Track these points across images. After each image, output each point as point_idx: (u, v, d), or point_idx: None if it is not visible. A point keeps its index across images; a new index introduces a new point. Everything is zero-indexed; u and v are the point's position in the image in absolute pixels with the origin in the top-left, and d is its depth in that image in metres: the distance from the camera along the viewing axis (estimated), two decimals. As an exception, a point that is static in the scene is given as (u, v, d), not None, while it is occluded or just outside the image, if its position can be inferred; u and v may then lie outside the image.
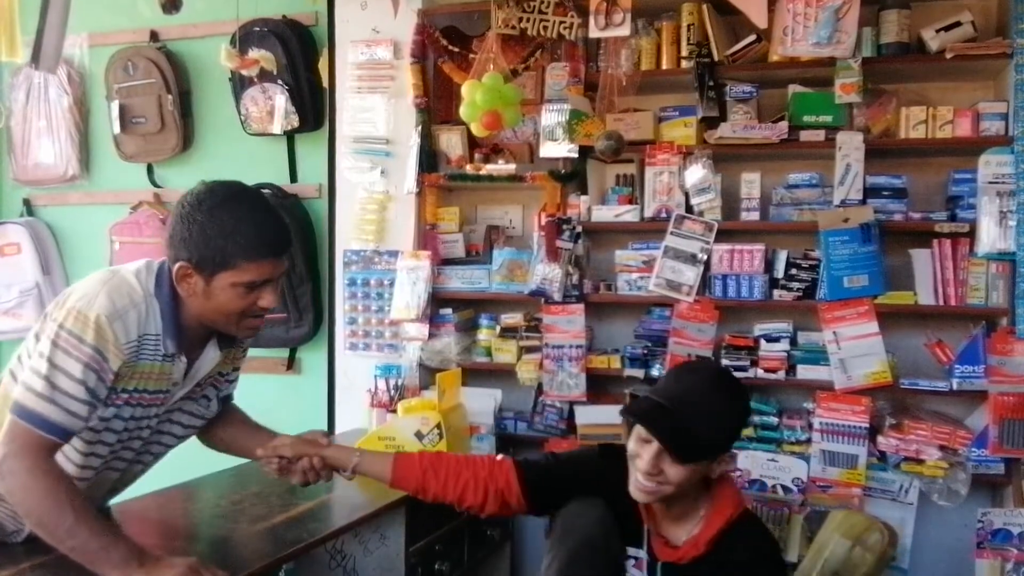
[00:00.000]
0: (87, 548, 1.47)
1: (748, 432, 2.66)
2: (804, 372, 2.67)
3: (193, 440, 1.92)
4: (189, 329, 1.67)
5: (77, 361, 1.51)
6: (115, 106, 3.53)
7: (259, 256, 1.58)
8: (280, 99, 3.29)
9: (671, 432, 1.67)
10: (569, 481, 1.85)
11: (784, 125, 2.70)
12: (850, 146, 2.62)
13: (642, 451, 1.70)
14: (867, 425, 2.56)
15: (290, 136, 3.40)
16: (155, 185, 3.63)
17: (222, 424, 1.97)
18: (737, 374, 2.67)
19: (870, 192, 2.64)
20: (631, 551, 1.80)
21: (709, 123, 2.80)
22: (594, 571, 1.72)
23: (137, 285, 1.61)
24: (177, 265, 1.59)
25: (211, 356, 1.74)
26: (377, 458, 1.96)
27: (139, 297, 1.60)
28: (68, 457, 1.65)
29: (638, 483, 1.71)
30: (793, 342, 2.71)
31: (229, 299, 1.60)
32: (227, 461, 2.32)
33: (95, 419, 1.60)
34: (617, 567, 1.77)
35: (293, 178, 3.44)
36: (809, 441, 2.62)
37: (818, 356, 2.65)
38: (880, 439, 2.56)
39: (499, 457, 1.97)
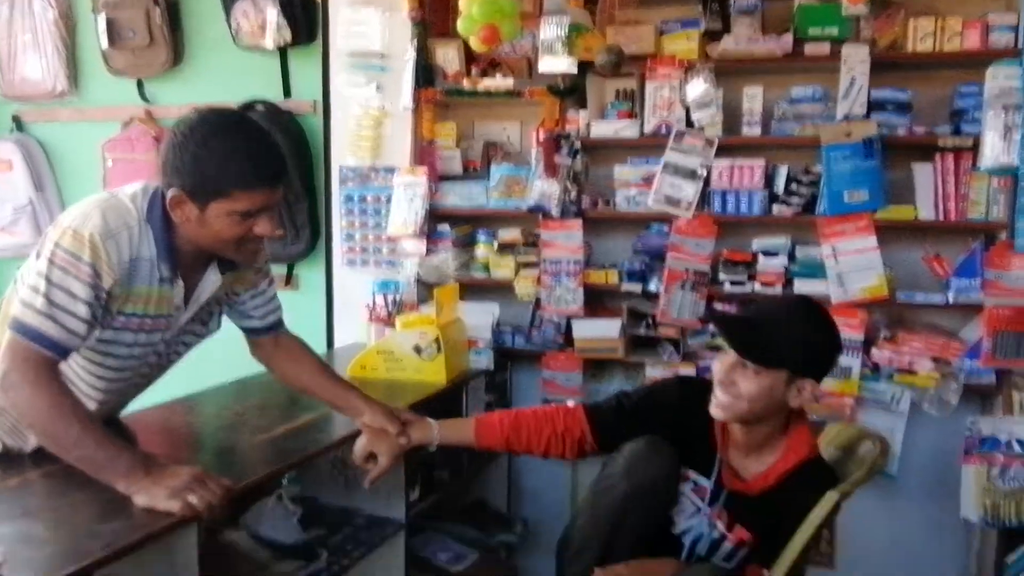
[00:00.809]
0: (94, 458, 1.48)
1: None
2: (801, 286, 2.67)
3: (193, 355, 1.90)
4: (185, 254, 1.66)
5: (75, 279, 1.51)
6: (102, 19, 3.43)
7: (252, 186, 1.55)
8: (271, 12, 3.20)
9: (740, 333, 1.74)
10: (640, 419, 1.86)
11: (789, 38, 2.64)
12: (855, 59, 2.57)
13: (719, 364, 1.75)
14: (862, 337, 2.58)
15: (283, 51, 3.32)
16: (146, 101, 3.56)
17: (291, 362, 1.96)
18: (734, 289, 2.69)
19: (874, 106, 2.60)
20: (694, 476, 1.83)
21: (712, 36, 2.74)
22: (648, 513, 1.76)
23: (132, 208, 1.59)
24: (171, 192, 1.56)
25: (211, 280, 1.73)
26: (457, 427, 1.97)
27: (133, 220, 1.58)
28: (79, 380, 1.67)
29: (715, 399, 1.75)
30: (791, 257, 2.71)
31: (224, 227, 1.58)
32: (228, 375, 2.36)
33: (94, 341, 1.60)
34: (668, 510, 1.82)
35: (287, 93, 3.37)
36: (805, 354, 2.64)
37: (816, 270, 2.65)
38: (874, 351, 2.58)
39: (570, 404, 1.98)
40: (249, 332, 1.94)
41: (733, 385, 1.71)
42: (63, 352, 1.53)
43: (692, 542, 1.81)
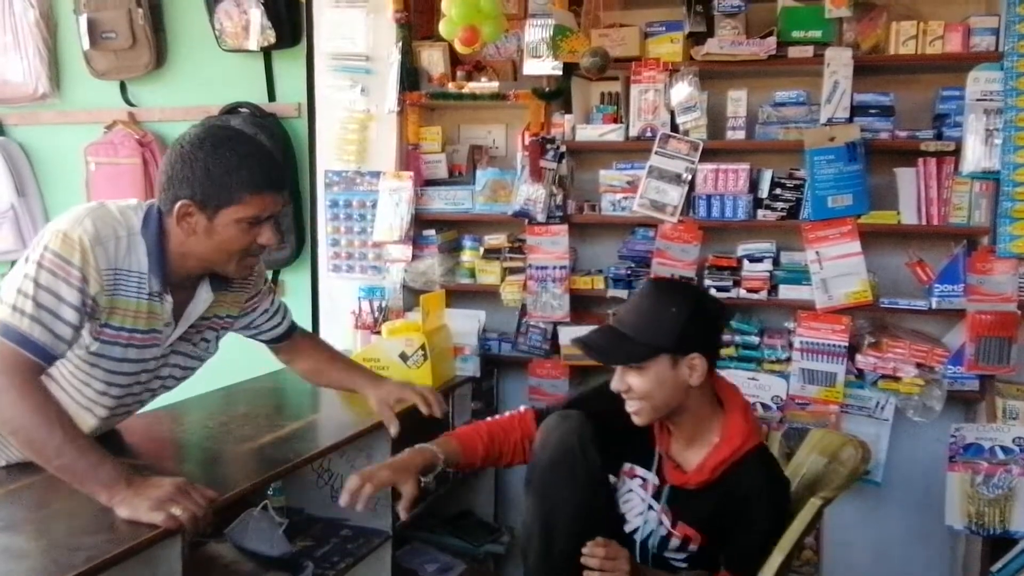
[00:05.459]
0: (75, 467, 1.47)
1: (730, 352, 2.69)
2: (786, 292, 2.69)
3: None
4: (177, 270, 1.67)
5: (64, 282, 1.52)
6: (83, 20, 3.40)
7: (262, 189, 1.61)
8: (255, 13, 3.18)
9: (601, 345, 1.76)
10: (588, 416, 1.85)
11: (772, 41, 2.64)
12: (838, 62, 2.58)
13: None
14: (846, 344, 2.59)
15: (267, 53, 3.31)
16: (129, 104, 3.54)
17: (309, 360, 2.17)
18: (720, 294, 2.69)
19: (857, 110, 2.61)
20: (640, 471, 1.84)
21: (696, 39, 2.74)
22: (572, 477, 1.75)
23: (123, 220, 1.62)
24: (178, 204, 1.59)
25: (203, 298, 1.75)
26: (449, 445, 1.87)
27: (123, 231, 1.60)
28: (77, 394, 1.68)
29: (627, 408, 1.77)
30: (776, 262, 2.72)
31: (232, 236, 1.62)
32: (213, 383, 2.34)
33: (85, 353, 1.61)
34: (595, 475, 1.80)
35: (271, 96, 3.36)
36: (789, 360, 2.65)
37: (800, 276, 2.66)
38: (859, 357, 2.59)
39: (521, 409, 1.98)
40: (268, 343, 2.11)
41: (629, 390, 1.74)
42: (49, 358, 1.53)
43: (644, 539, 1.82)
